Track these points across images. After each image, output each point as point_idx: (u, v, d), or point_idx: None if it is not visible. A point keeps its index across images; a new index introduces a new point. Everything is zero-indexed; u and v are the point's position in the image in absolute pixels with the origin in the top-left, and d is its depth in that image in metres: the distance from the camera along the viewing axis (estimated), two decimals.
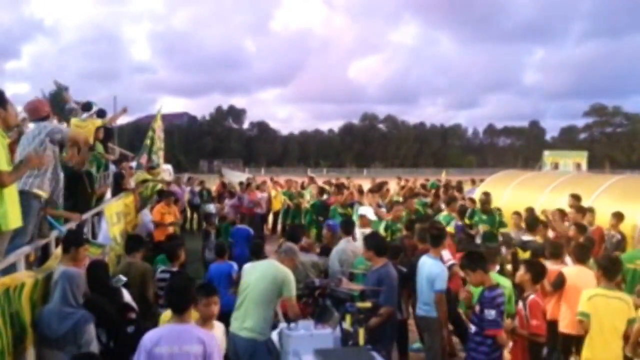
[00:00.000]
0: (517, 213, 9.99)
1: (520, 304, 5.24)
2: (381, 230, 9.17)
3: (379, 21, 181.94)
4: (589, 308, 5.15)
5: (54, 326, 4.21)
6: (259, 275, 5.26)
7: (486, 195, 11.65)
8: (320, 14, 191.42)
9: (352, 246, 7.17)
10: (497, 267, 6.89)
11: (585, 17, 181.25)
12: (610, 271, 5.27)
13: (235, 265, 7.29)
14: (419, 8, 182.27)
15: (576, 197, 10.57)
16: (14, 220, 4.41)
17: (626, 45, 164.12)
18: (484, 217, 10.71)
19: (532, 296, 5.16)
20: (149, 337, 3.70)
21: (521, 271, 5.36)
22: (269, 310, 5.16)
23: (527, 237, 8.28)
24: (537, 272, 5.31)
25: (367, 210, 9.58)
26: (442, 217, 10.16)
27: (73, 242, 5.00)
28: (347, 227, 7.58)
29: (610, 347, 5.06)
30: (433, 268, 5.97)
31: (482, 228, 10.51)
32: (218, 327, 4.63)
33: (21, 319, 4.25)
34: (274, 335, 5.27)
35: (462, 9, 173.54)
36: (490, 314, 4.73)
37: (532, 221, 8.66)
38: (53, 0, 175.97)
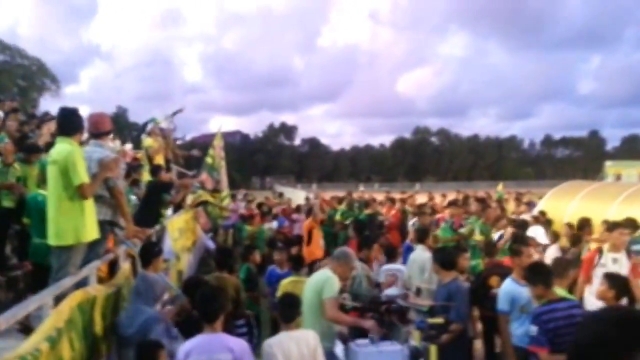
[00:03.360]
0: (569, 225, 9.61)
1: None
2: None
3: (426, 33, 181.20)
4: None
5: (126, 324, 4.41)
6: (308, 285, 5.25)
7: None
8: (366, 29, 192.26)
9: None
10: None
11: None
12: None
13: None
14: (466, 18, 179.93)
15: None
16: (91, 232, 4.56)
17: None
18: None
19: None
20: (183, 349, 3.79)
21: (603, 286, 4.99)
22: (320, 319, 4.94)
23: None
24: (622, 287, 4.95)
25: (536, 232, 9.01)
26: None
27: (153, 253, 5.23)
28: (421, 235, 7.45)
29: None
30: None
31: None
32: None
33: (93, 332, 4.32)
34: (339, 350, 5.14)
35: (510, 16, 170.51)
36: (532, 330, 4.46)
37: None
38: (110, 26, 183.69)
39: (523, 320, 5.23)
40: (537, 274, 4.76)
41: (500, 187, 28.03)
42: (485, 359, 6.73)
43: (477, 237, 9.35)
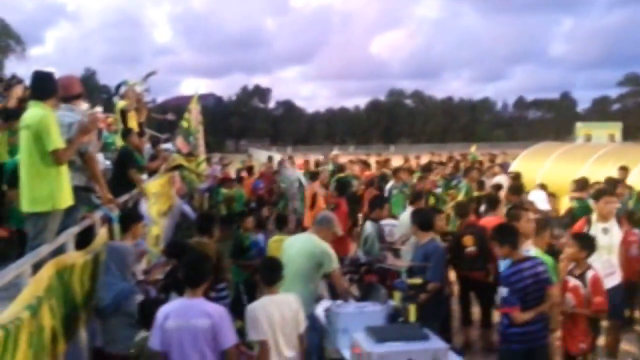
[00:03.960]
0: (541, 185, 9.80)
1: (574, 280, 4.98)
2: None
3: None
4: None
5: (100, 296, 4.45)
6: (296, 250, 5.18)
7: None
8: None
9: None
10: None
11: None
12: None
13: None
14: None
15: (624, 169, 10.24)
16: (67, 198, 4.49)
17: None
18: None
19: (591, 272, 4.95)
20: (162, 312, 3.78)
21: (574, 248, 5.06)
22: (309, 286, 5.07)
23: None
24: (592, 246, 5.09)
25: (537, 196, 8.75)
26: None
27: (133, 219, 5.26)
28: None
29: None
30: None
31: None
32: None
33: (73, 298, 4.30)
34: (320, 312, 5.22)
35: None
36: (503, 291, 4.59)
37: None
38: None
39: None
40: (505, 235, 4.83)
41: (473, 148, 28.30)
42: (461, 317, 6.90)
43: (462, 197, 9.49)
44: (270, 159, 18.11)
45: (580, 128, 58.29)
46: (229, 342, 3.75)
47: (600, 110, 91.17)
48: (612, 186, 8.22)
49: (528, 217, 5.66)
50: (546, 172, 13.82)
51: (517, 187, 7.97)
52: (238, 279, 7.19)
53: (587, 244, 5.10)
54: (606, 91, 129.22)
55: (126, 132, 8.32)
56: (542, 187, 9.59)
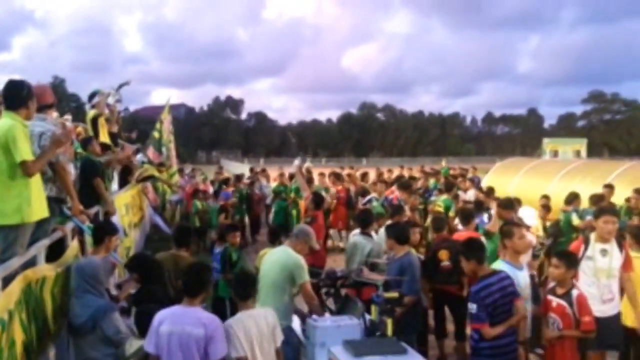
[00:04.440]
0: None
1: (558, 300, 4.79)
2: None
3: (370, 9, 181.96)
4: None
5: (75, 313, 4.29)
6: (270, 263, 5.24)
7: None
8: (312, 2, 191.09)
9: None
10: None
11: (579, 3, 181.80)
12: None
13: None
14: None
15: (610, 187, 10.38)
16: (38, 211, 4.35)
17: (622, 31, 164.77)
18: None
19: (576, 291, 4.77)
20: (158, 316, 3.85)
21: (560, 269, 4.80)
22: (283, 298, 5.05)
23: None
24: (576, 264, 4.99)
25: (526, 213, 8.41)
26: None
27: (107, 231, 5.21)
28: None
29: None
30: None
31: None
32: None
33: (44, 312, 4.19)
34: (296, 325, 5.19)
35: None
36: (472, 307, 4.63)
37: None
38: None
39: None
40: (471, 250, 4.89)
41: (444, 163, 28.73)
42: (436, 330, 6.94)
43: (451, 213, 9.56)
44: (240, 177, 17.77)
45: (547, 144, 59.62)
46: (220, 354, 3.78)
47: (565, 127, 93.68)
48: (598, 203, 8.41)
49: (521, 233, 5.37)
50: (516, 186, 14.09)
51: (509, 202, 8.00)
52: (225, 295, 7.02)
53: (573, 262, 4.95)
54: (571, 108, 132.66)
55: (86, 141, 8.14)
56: (518, 201, 9.71)
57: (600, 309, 5.17)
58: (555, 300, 4.82)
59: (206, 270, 4.13)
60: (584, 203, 9.41)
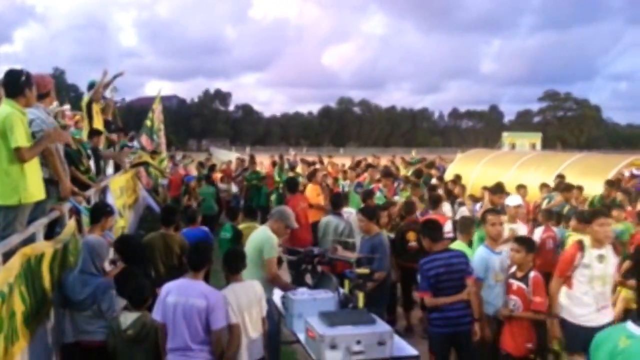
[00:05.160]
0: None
1: (518, 283, 4.66)
2: None
3: (348, 11, 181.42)
4: None
5: (76, 290, 4.21)
6: (249, 241, 5.27)
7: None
8: (295, 4, 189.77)
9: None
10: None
11: (536, 11, 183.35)
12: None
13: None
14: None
15: (562, 176, 10.57)
16: (35, 193, 4.26)
17: (574, 36, 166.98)
18: None
19: (533, 273, 4.65)
20: (165, 287, 3.93)
21: (520, 253, 4.69)
22: (260, 272, 4.94)
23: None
24: (533, 247, 4.88)
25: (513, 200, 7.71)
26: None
27: (104, 212, 5.04)
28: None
29: None
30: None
31: None
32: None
33: (42, 286, 4.11)
34: (276, 298, 5.19)
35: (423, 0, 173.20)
36: (418, 278, 4.84)
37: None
38: None
39: (494, 287, 4.97)
40: (426, 229, 5.02)
41: (414, 153, 28.94)
42: (403, 304, 7.03)
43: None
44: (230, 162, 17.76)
45: (506, 137, 60.14)
46: (220, 324, 3.81)
47: (523, 122, 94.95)
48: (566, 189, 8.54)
49: (494, 220, 5.22)
50: (477, 175, 14.24)
51: (498, 188, 7.81)
52: None
53: (532, 247, 4.83)
54: (529, 105, 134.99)
55: (93, 133, 8.00)
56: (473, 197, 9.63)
57: (594, 318, 4.56)
58: (515, 283, 4.70)
59: (208, 247, 4.23)
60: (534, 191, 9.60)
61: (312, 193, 9.47)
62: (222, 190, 14.17)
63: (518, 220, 6.74)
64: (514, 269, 4.84)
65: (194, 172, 15.60)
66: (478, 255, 5.13)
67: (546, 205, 8.77)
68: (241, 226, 7.08)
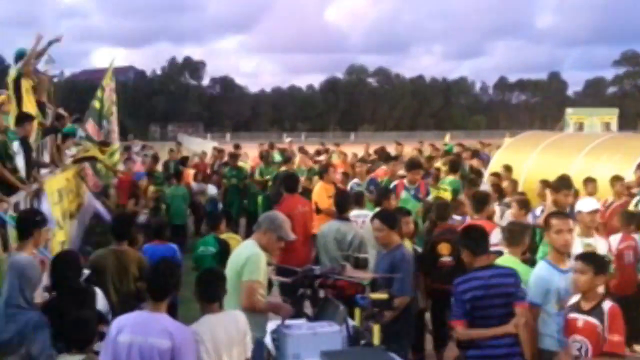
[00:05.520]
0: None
1: (586, 318, 4.45)
2: None
3: None
4: None
5: None
6: (230, 259, 5.24)
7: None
8: None
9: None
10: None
11: None
12: None
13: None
14: None
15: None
16: None
17: None
18: None
19: (608, 304, 4.44)
20: (115, 323, 3.91)
21: (587, 273, 4.47)
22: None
23: None
24: (604, 267, 4.75)
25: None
26: None
27: (35, 222, 4.92)
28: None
29: None
30: None
31: None
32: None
33: None
34: (268, 341, 5.18)
35: None
36: (452, 301, 4.82)
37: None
38: None
39: (556, 317, 4.83)
40: (466, 238, 4.96)
41: (447, 138, 28.86)
42: (434, 340, 7.02)
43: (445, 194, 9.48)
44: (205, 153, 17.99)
45: (571, 115, 60.14)
46: None
47: (593, 94, 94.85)
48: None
49: (560, 227, 5.12)
50: (531, 166, 14.19)
51: (565, 182, 7.79)
52: None
53: (603, 266, 4.68)
54: (600, 72, 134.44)
55: (23, 118, 8.00)
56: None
57: None
58: (581, 318, 4.48)
59: (174, 269, 4.13)
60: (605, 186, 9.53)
61: (323, 194, 9.33)
62: (195, 192, 14.21)
63: (595, 233, 6.47)
64: (576, 298, 4.63)
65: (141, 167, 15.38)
66: (536, 273, 5.06)
67: (634, 208, 8.67)
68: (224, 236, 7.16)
